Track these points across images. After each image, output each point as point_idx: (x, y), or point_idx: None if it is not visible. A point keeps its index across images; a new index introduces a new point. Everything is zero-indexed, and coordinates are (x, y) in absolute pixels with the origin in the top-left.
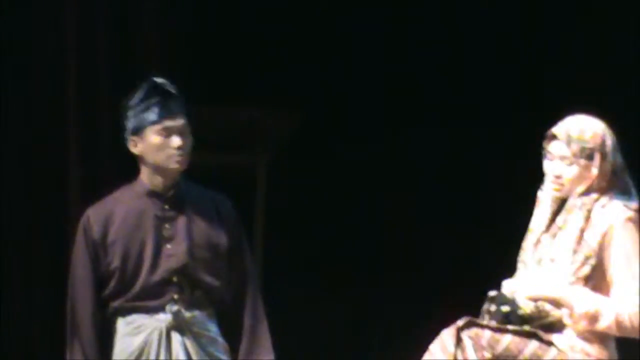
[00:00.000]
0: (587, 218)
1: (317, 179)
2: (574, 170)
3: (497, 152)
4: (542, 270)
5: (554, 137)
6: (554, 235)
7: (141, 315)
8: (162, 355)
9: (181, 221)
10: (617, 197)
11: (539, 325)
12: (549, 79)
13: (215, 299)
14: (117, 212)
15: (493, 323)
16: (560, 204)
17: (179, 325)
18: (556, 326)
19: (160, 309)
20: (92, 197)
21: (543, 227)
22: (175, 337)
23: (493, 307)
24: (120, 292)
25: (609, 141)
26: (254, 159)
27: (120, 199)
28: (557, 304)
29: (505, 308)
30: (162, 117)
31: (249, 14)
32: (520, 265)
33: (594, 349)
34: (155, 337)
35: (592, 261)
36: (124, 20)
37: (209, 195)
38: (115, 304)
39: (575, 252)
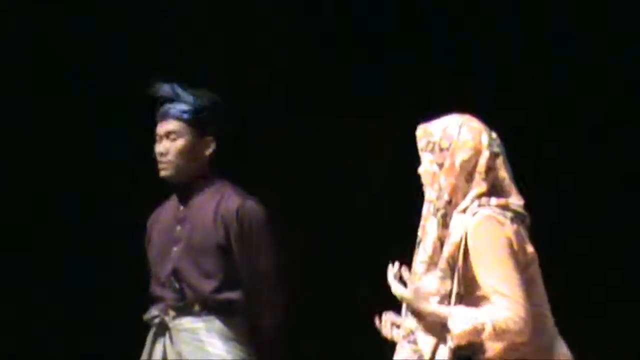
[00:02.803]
0: (443, 225)
1: None
2: (422, 166)
3: None
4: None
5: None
6: (418, 245)
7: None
8: (146, 354)
9: (187, 222)
10: (482, 197)
11: None
12: None
13: (211, 305)
14: (160, 216)
15: None
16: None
17: (162, 332)
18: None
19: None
20: None
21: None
22: (158, 343)
23: None
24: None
25: (461, 136)
26: None
27: (168, 201)
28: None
29: None
30: (157, 121)
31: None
32: None
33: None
34: (149, 339)
35: (449, 273)
36: None
37: (220, 194)
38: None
39: (430, 265)
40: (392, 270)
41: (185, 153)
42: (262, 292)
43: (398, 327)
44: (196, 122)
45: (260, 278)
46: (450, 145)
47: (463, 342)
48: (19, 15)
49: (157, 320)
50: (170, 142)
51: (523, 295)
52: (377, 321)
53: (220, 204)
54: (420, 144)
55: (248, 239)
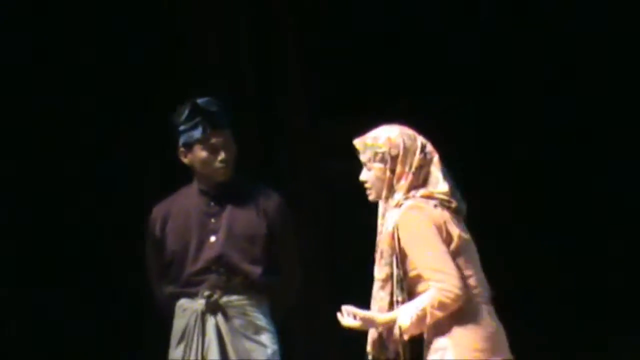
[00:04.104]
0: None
1: None
2: (370, 174)
3: None
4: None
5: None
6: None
7: (187, 299)
8: (196, 336)
9: (224, 216)
10: (411, 190)
11: None
12: None
13: (257, 286)
14: (174, 210)
15: None
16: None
17: (212, 309)
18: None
19: (200, 294)
20: None
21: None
22: (210, 320)
23: None
24: (173, 279)
25: (405, 144)
26: None
27: (178, 197)
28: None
29: None
30: (207, 134)
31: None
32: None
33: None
34: (193, 319)
35: (389, 260)
36: None
37: (255, 191)
38: (170, 289)
39: (381, 258)
40: (344, 314)
41: (234, 157)
42: (290, 274)
43: (355, 317)
44: (231, 129)
45: (290, 263)
46: (398, 153)
47: (413, 333)
48: None
49: (211, 299)
50: (227, 150)
51: (452, 265)
52: (338, 314)
53: (259, 200)
54: (366, 155)
55: (284, 230)
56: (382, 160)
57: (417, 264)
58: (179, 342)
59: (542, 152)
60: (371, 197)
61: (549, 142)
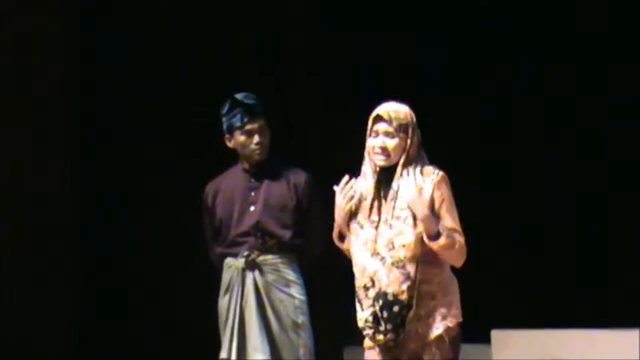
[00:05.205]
0: (415, 182)
1: None
2: (394, 142)
3: None
4: (387, 227)
5: (378, 117)
6: (393, 199)
7: (231, 258)
8: (237, 288)
9: (262, 189)
10: (425, 165)
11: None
12: None
13: (287, 247)
14: (222, 186)
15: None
16: (381, 173)
17: (251, 266)
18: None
19: (240, 254)
20: None
21: (372, 194)
22: (249, 275)
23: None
24: (222, 242)
25: (415, 120)
26: None
27: (227, 175)
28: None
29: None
30: (244, 122)
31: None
32: (355, 227)
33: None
34: (235, 274)
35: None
36: None
37: (287, 170)
38: (219, 250)
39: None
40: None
41: (268, 141)
42: (315, 237)
43: (352, 198)
44: (266, 117)
45: (315, 228)
46: (414, 126)
47: (445, 248)
48: None
49: (249, 258)
50: (262, 135)
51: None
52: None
53: (289, 176)
54: (391, 125)
55: (310, 201)
56: (405, 131)
57: (447, 223)
58: (225, 293)
59: None
60: (386, 163)
61: None
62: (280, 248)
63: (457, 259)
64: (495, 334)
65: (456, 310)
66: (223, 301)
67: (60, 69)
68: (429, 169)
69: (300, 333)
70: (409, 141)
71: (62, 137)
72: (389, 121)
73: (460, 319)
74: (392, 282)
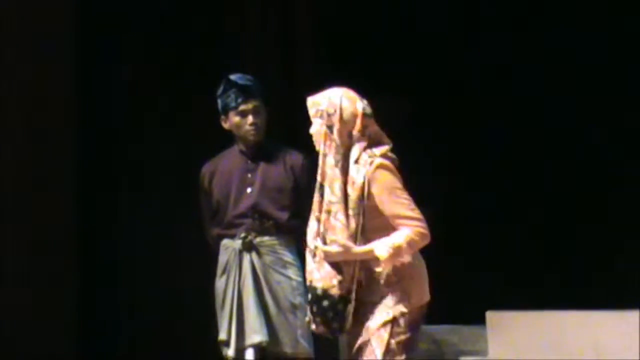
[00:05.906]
0: (343, 173)
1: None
2: (314, 128)
3: None
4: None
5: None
6: (320, 187)
7: (228, 239)
8: (234, 269)
9: (259, 171)
10: (367, 149)
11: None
12: None
13: (284, 228)
14: (219, 167)
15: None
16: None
17: (248, 248)
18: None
19: (238, 235)
20: None
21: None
22: (246, 257)
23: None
24: (219, 223)
25: (342, 104)
26: None
27: (223, 156)
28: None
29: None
30: (238, 102)
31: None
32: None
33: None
34: (232, 256)
35: (358, 210)
36: None
37: (284, 151)
38: (216, 231)
39: (339, 204)
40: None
41: (266, 122)
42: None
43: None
44: (263, 98)
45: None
46: (335, 111)
47: (390, 265)
48: None
49: (247, 239)
50: (257, 116)
51: (418, 211)
52: (320, 244)
53: (286, 158)
54: (311, 112)
55: (308, 182)
56: (321, 116)
57: (392, 214)
58: (222, 274)
59: None
60: (317, 148)
61: None
62: (278, 230)
63: (418, 245)
64: (491, 316)
65: (416, 294)
66: (220, 282)
67: (60, 68)
68: (365, 158)
69: (298, 314)
70: (324, 128)
71: (62, 135)
72: (309, 107)
73: (422, 303)
74: (323, 277)
